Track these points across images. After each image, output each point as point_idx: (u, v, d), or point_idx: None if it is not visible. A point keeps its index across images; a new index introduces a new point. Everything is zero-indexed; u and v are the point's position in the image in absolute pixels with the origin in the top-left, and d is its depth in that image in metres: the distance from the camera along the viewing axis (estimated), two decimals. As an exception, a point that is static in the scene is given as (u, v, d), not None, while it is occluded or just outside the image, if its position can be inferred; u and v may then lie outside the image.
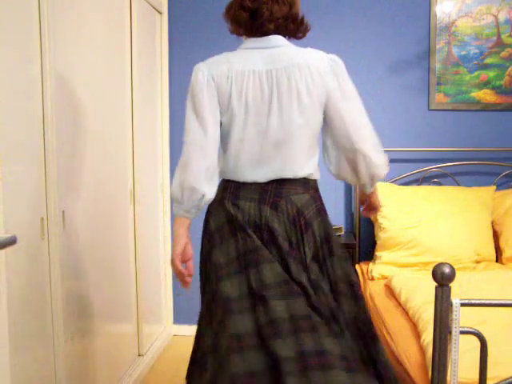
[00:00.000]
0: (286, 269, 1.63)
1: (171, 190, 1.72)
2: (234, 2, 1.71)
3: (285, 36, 1.74)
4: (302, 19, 1.75)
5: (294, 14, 1.71)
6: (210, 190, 1.69)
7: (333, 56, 1.72)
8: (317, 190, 1.78)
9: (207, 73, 1.67)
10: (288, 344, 1.53)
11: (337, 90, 1.68)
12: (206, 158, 1.66)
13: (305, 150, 1.70)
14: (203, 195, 1.68)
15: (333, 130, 1.73)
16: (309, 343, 1.53)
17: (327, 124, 1.74)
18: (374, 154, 1.76)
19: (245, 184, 1.70)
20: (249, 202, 1.68)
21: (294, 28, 1.73)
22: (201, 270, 1.81)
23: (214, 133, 1.68)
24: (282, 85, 1.64)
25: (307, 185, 1.73)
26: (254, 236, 1.65)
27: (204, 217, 1.79)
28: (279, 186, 1.69)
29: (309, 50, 1.73)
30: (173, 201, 1.73)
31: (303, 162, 1.70)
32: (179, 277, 1.75)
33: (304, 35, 1.79)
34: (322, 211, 1.75)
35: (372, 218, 2.02)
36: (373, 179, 1.81)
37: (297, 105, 1.65)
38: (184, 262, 1.75)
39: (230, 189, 1.71)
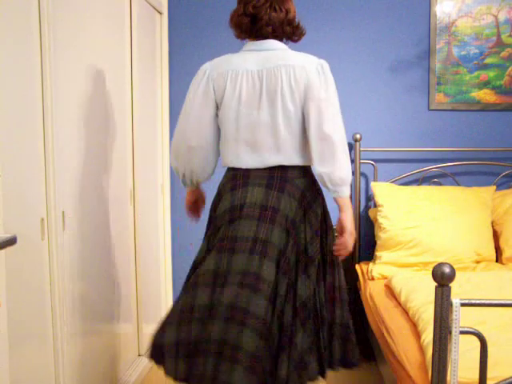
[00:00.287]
0: (284, 245, 1.87)
1: None
2: (236, 10, 1.97)
3: (282, 39, 1.97)
4: (298, 24, 1.98)
5: (290, 19, 1.95)
6: (193, 175, 2.05)
7: (322, 61, 1.92)
8: (312, 174, 1.99)
9: (209, 72, 1.96)
10: (220, 329, 1.77)
11: (318, 87, 1.87)
12: (186, 143, 1.99)
13: (294, 141, 1.91)
14: (183, 174, 2.06)
15: (306, 123, 1.89)
16: (232, 334, 1.76)
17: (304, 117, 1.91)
18: (339, 140, 1.87)
19: (251, 170, 1.93)
20: (257, 187, 1.91)
21: (290, 31, 1.96)
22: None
23: (197, 124, 1.97)
24: (270, 83, 1.88)
25: (306, 171, 1.97)
26: (244, 226, 1.86)
27: (214, 200, 2.06)
28: (284, 171, 1.92)
29: (301, 53, 1.93)
30: None
31: (295, 151, 1.92)
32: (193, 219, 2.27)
33: (300, 38, 2.01)
34: (320, 192, 2.02)
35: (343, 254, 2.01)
36: (323, 175, 1.89)
37: (280, 104, 1.88)
38: (198, 207, 2.24)
39: (239, 176, 1.95)
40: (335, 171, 1.87)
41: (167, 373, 1.86)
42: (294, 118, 1.89)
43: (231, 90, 1.90)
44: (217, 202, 2.01)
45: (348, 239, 1.94)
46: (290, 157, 1.91)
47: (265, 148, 1.90)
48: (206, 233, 2.05)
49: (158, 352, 1.88)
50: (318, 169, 1.89)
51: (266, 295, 1.80)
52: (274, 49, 1.92)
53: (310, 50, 3.12)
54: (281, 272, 1.86)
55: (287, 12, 1.93)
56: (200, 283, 1.86)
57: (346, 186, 1.91)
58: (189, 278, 1.98)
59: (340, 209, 1.95)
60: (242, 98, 1.90)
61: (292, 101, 1.87)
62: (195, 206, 2.23)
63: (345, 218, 1.93)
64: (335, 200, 1.95)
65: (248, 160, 1.92)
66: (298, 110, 1.89)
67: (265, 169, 1.92)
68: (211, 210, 2.07)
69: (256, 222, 1.87)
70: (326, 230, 2.01)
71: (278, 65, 1.87)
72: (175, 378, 1.85)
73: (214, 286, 1.84)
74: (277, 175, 1.92)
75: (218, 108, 1.97)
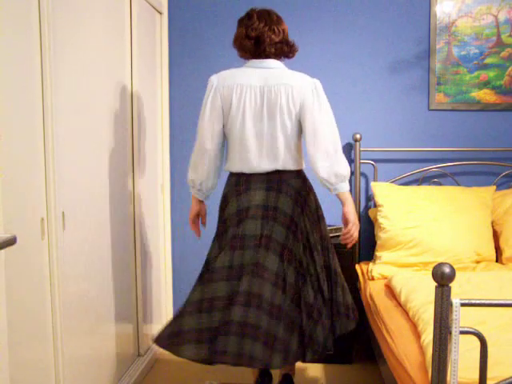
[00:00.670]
0: (285, 237, 2.14)
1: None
2: (239, 34, 2.20)
3: (281, 57, 2.23)
4: (293, 43, 2.26)
5: (286, 40, 2.23)
6: (208, 180, 2.28)
7: (316, 80, 2.18)
8: (304, 174, 2.28)
9: (216, 84, 2.18)
10: (238, 312, 2.00)
11: (313, 103, 2.13)
12: (203, 157, 2.25)
13: (289, 151, 2.18)
14: (201, 183, 2.29)
15: (303, 133, 2.18)
16: (252, 317, 2.00)
17: (302, 131, 2.19)
18: (333, 145, 2.15)
19: (253, 175, 2.19)
20: (259, 190, 2.18)
21: (287, 50, 2.23)
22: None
23: (209, 136, 2.21)
24: (270, 99, 2.14)
25: (299, 173, 2.25)
26: (251, 225, 2.14)
27: (221, 204, 2.29)
28: (280, 175, 2.19)
29: (297, 73, 2.18)
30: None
31: (290, 159, 2.19)
32: (194, 232, 2.44)
33: (294, 55, 2.28)
34: (311, 189, 2.30)
35: (349, 244, 2.31)
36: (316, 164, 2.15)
37: (279, 119, 2.14)
38: (199, 218, 2.44)
39: (241, 182, 2.21)
40: (330, 172, 2.15)
41: (185, 356, 2.03)
42: (289, 131, 2.16)
43: (236, 103, 2.15)
44: (224, 206, 2.26)
45: (351, 228, 2.24)
46: (286, 163, 2.19)
47: (265, 156, 2.18)
48: (217, 233, 2.28)
49: (171, 338, 2.05)
50: (316, 171, 2.16)
51: (271, 282, 2.08)
52: (274, 67, 2.18)
53: (311, 52, 3.15)
54: (285, 261, 2.13)
55: (284, 33, 2.20)
56: (216, 278, 2.10)
57: (342, 182, 2.18)
58: (202, 273, 2.18)
59: (342, 203, 2.23)
60: (246, 111, 2.15)
61: (289, 117, 2.15)
62: (197, 221, 2.42)
63: (347, 210, 2.22)
64: (337, 196, 2.22)
65: (250, 166, 2.18)
66: (294, 125, 2.17)
67: (263, 173, 2.19)
68: (220, 212, 2.30)
69: (260, 221, 2.15)
70: (318, 219, 2.29)
71: (278, 83, 2.13)
72: (197, 361, 2.04)
73: (229, 279, 2.09)
74: (274, 178, 2.19)
75: (224, 117, 2.20)
